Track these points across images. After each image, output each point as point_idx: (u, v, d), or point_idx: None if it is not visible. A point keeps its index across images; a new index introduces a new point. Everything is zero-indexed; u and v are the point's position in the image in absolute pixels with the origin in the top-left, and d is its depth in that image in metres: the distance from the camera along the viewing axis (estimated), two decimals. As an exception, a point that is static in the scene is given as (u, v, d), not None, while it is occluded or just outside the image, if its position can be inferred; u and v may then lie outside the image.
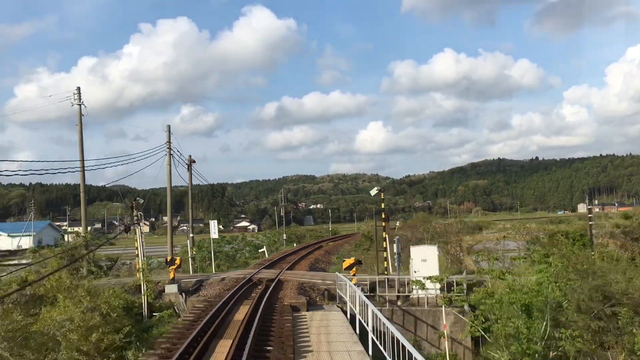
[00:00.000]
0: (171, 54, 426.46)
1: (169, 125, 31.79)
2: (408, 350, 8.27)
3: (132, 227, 20.14)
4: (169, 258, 21.90)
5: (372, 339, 11.38)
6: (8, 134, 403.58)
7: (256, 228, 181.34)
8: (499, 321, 14.08)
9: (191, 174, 33.16)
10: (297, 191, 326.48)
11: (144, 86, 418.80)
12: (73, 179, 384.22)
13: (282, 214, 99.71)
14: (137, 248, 19.86)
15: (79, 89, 29.75)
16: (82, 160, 27.64)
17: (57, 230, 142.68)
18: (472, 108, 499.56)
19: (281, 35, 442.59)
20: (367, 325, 11.99)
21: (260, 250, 41.30)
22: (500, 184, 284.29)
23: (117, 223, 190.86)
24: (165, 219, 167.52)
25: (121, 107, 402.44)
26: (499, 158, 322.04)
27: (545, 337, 13.51)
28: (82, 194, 29.32)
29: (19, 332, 14.27)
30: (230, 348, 10.85)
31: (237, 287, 18.89)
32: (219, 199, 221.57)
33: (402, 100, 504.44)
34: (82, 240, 27.16)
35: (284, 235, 59.21)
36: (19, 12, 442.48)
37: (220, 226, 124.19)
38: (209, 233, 30.65)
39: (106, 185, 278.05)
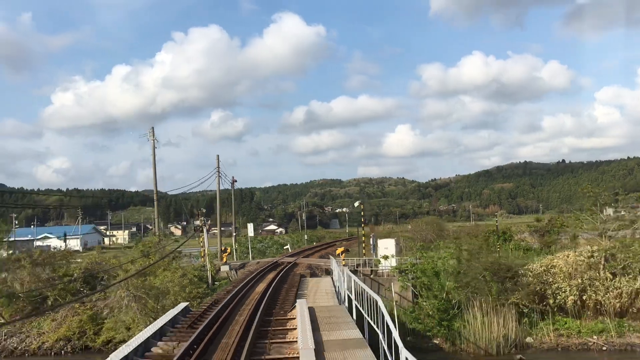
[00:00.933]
0: (202, 61, 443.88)
1: (218, 155, 43.08)
2: (367, 293, 18.92)
3: (186, 228, 31.33)
4: (222, 249, 33.14)
5: (337, 286, 22.13)
6: (45, 140, 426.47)
7: (283, 231, 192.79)
8: (424, 282, 24.80)
9: (234, 188, 44.34)
10: (323, 195, 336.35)
11: (175, 93, 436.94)
12: (106, 184, 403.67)
13: (304, 217, 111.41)
14: (202, 243, 31.07)
15: (152, 128, 40.84)
16: (156, 186, 39.05)
17: (100, 233, 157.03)
18: (501, 110, 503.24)
19: (311, 41, 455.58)
20: (336, 281, 22.74)
21: (284, 247, 52.43)
22: (525, 187, 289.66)
23: (150, 227, 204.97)
24: (197, 222, 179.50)
25: (153, 113, 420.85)
26: (525, 161, 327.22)
27: (445, 289, 24.14)
28: (155, 212, 40.60)
29: (142, 289, 25.57)
30: (264, 286, 21.83)
31: (268, 265, 29.90)
32: (248, 204, 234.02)
33: (431, 103, 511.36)
34: (157, 238, 38.56)
35: (306, 236, 70.23)
36: (59, 24, 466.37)
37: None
38: (239, 235, 41.91)
39: (139, 191, 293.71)
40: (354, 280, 14.97)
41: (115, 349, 12.08)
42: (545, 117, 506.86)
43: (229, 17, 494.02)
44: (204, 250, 30.38)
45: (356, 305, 14.63)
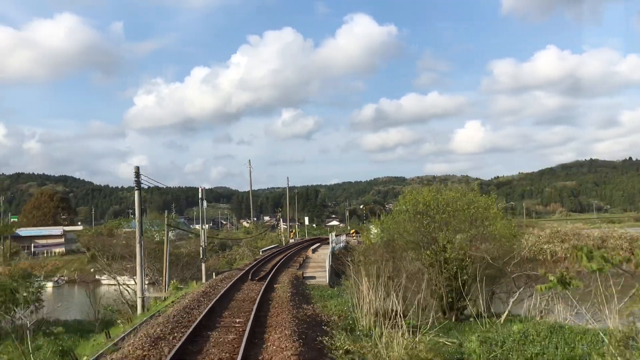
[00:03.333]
0: (276, 63, 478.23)
1: (288, 177, 72.10)
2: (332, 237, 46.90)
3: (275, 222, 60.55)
4: (290, 231, 61.91)
5: (332, 246, 50.09)
6: (127, 140, 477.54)
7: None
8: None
9: (288, 187, 73.01)
10: (386, 192, 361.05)
11: (249, 93, 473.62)
12: (182, 181, 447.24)
13: (365, 214, 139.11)
14: (278, 228, 59.73)
15: (249, 160, 70.02)
16: (251, 199, 68.11)
17: (188, 225, 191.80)
18: (576, 105, 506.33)
19: (382, 41, 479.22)
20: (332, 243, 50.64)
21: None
22: (588, 185, 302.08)
23: (225, 222, 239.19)
24: (266, 218, 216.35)
25: (228, 112, 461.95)
26: (590, 159, 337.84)
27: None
28: (251, 213, 70.01)
29: (250, 246, 54.72)
30: (307, 243, 50.28)
31: (315, 238, 58.24)
32: (313, 201, 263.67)
33: (502, 99, 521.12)
34: (251, 227, 67.97)
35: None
36: (145, 31, 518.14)
37: (314, 225, 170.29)
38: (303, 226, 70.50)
39: (212, 188, 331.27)
40: (333, 237, 43.19)
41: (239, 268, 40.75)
42: (624, 112, 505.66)
43: (303, 20, 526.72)
44: (280, 230, 59.12)
45: (330, 240, 42.76)
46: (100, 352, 13.19)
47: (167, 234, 33.02)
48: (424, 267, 21.19)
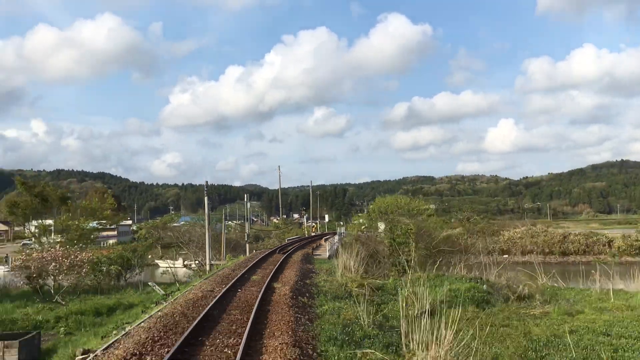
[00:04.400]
0: (310, 62, 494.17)
1: (317, 176, 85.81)
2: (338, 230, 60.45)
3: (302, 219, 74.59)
4: (312, 226, 75.69)
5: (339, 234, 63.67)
6: (162, 138, 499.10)
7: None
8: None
9: (311, 185, 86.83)
10: (415, 192, 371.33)
11: (283, 91, 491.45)
12: (213, 178, 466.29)
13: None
14: (302, 224, 73.51)
15: (279, 167, 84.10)
16: (281, 204, 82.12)
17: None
18: (613, 105, 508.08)
19: (416, 40, 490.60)
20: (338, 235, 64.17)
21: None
22: (618, 186, 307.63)
23: (255, 219, 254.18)
24: (295, 215, 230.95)
25: (261, 111, 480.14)
26: (621, 160, 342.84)
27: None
28: (280, 211, 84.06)
29: (279, 237, 68.77)
30: (329, 235, 64.06)
31: (332, 233, 71.95)
32: (341, 199, 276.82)
33: (536, 98, 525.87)
34: (280, 223, 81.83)
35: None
36: (183, 31, 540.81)
37: (341, 222, 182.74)
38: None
39: (242, 186, 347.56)
40: (341, 230, 56.87)
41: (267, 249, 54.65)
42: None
43: (338, 20, 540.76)
44: (304, 225, 72.89)
45: (338, 232, 56.39)
46: (198, 281, 26.87)
47: (224, 225, 47.20)
48: (386, 246, 34.61)
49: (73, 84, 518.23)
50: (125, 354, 10.67)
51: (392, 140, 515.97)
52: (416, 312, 14.22)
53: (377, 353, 11.53)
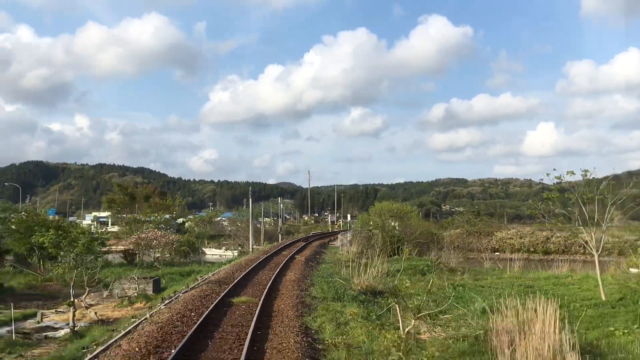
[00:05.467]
0: (349, 62, 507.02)
1: (351, 175, 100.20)
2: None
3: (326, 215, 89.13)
4: (335, 224, 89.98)
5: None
6: (201, 134, 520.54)
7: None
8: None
9: (329, 186, 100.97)
10: (446, 194, 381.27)
11: (320, 91, 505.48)
12: (249, 175, 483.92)
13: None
14: (329, 220, 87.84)
15: (309, 171, 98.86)
16: (312, 198, 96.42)
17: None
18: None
19: (456, 42, 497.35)
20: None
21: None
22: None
23: (288, 217, 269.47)
24: (326, 213, 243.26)
25: (299, 110, 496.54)
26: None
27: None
28: (308, 206, 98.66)
29: (305, 230, 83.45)
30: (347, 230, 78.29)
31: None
32: (371, 200, 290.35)
33: (578, 102, 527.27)
34: (309, 220, 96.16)
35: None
36: (225, 31, 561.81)
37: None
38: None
39: (276, 184, 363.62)
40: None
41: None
42: None
43: (378, 21, 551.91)
44: (328, 222, 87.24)
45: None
46: (245, 256, 41.37)
47: (263, 220, 62.00)
48: (381, 238, 48.57)
49: (118, 81, 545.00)
50: (201, 291, 25.15)
51: (428, 142, 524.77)
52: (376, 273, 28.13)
53: (340, 280, 25.69)
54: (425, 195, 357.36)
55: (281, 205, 62.52)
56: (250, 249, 51.19)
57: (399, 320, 14.80)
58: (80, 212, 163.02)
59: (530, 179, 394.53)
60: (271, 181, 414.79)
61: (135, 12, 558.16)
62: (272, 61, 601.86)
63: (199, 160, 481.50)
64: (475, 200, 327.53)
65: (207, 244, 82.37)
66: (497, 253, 72.72)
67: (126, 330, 15.24)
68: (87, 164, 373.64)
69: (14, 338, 19.54)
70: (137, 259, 44.18)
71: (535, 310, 13.38)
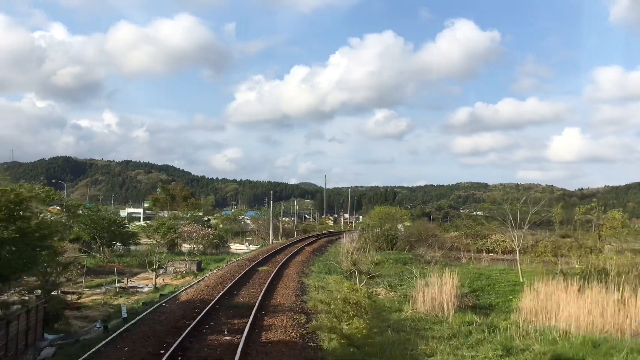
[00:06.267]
0: (375, 64, 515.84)
1: (370, 177, 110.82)
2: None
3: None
4: (348, 224, 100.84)
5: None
6: (225, 133, 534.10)
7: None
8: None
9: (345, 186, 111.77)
10: (466, 198, 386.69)
11: (345, 93, 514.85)
12: (270, 175, 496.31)
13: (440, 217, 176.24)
14: (347, 222, 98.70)
15: (325, 175, 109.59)
16: (325, 204, 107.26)
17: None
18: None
19: (484, 46, 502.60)
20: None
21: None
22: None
23: (307, 217, 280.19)
24: (346, 215, 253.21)
25: (323, 111, 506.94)
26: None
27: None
28: (324, 206, 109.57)
29: (320, 228, 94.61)
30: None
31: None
32: (391, 202, 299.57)
33: (605, 108, 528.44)
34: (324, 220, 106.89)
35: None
36: (254, 32, 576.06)
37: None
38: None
39: (297, 184, 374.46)
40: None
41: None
42: None
43: (405, 24, 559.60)
44: (341, 223, 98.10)
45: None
46: (265, 247, 52.41)
47: (281, 219, 73.07)
48: (379, 235, 59.49)
49: (146, 79, 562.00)
50: (230, 268, 36.26)
51: (452, 145, 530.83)
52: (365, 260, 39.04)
53: (334, 263, 36.57)
54: (444, 199, 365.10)
55: (297, 207, 73.60)
56: (271, 242, 62.17)
57: (357, 280, 25.81)
58: (110, 207, 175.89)
59: (552, 185, 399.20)
60: (293, 181, 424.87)
61: (167, 12, 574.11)
62: (298, 62, 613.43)
63: (223, 159, 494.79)
64: (493, 205, 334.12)
65: (232, 239, 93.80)
66: (492, 254, 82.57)
67: (197, 281, 26.47)
68: (113, 161, 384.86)
69: (117, 290, 30.87)
70: (176, 248, 55.61)
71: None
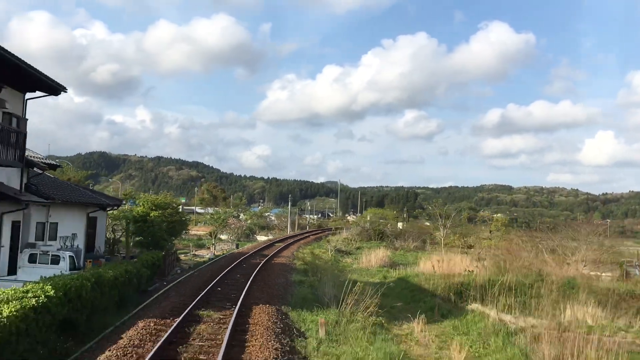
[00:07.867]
0: (406, 66, 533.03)
1: (390, 178, 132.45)
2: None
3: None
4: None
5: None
6: (255, 131, 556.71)
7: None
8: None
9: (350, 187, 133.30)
10: (490, 200, 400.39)
11: (376, 93, 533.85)
12: (298, 173, 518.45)
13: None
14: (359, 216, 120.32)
15: (339, 179, 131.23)
16: (338, 203, 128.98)
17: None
18: None
19: (517, 49, 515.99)
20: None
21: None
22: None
23: (331, 215, 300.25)
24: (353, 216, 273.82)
25: (353, 110, 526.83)
26: None
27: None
28: (342, 206, 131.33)
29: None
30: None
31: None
32: (412, 202, 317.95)
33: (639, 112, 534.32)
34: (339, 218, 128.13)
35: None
36: (288, 32, 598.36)
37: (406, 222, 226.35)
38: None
39: (323, 182, 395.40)
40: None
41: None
42: None
43: (439, 26, 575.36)
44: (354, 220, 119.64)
45: None
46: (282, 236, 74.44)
47: (297, 215, 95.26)
48: (369, 229, 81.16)
49: (181, 77, 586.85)
50: (258, 243, 58.50)
51: (481, 147, 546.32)
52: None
53: (323, 243, 58.53)
54: (466, 201, 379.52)
55: (309, 206, 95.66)
56: (288, 233, 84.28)
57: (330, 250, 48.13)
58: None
59: (576, 189, 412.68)
60: (321, 179, 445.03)
61: (205, 12, 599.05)
62: (330, 62, 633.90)
63: (252, 156, 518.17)
64: (515, 208, 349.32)
65: (259, 232, 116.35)
66: (472, 249, 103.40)
67: (237, 250, 49.05)
68: (145, 156, 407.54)
69: (192, 258, 53.59)
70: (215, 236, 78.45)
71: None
